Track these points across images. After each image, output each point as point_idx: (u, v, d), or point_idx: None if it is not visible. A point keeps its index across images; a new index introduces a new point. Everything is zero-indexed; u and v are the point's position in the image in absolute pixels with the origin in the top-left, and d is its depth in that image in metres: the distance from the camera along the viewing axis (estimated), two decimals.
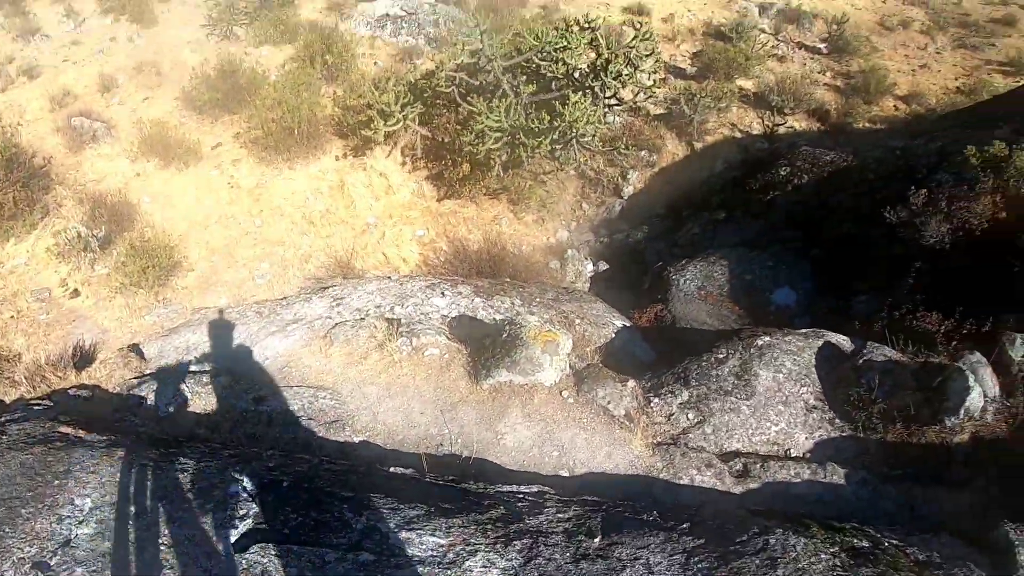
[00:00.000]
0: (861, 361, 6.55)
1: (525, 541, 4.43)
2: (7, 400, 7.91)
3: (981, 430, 5.98)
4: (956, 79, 20.35)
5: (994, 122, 10.89)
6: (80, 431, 5.34)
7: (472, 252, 10.83)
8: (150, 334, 8.94)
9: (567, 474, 6.02)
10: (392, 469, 5.52)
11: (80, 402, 6.81)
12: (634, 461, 6.11)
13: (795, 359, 6.76)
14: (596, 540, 4.48)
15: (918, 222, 8.53)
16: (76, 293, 10.25)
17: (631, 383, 6.83)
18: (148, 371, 7.56)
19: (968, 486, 5.64)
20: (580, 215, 12.72)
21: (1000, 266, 7.66)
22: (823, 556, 4.24)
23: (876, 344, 6.72)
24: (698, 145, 14.03)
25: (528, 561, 4.23)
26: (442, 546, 4.29)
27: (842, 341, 6.98)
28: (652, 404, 6.66)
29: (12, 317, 9.92)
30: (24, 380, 7.84)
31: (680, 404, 6.61)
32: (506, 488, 5.24)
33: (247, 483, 4.73)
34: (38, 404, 6.24)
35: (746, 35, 19.06)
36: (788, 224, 10.76)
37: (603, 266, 11.53)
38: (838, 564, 4.17)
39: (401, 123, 11.46)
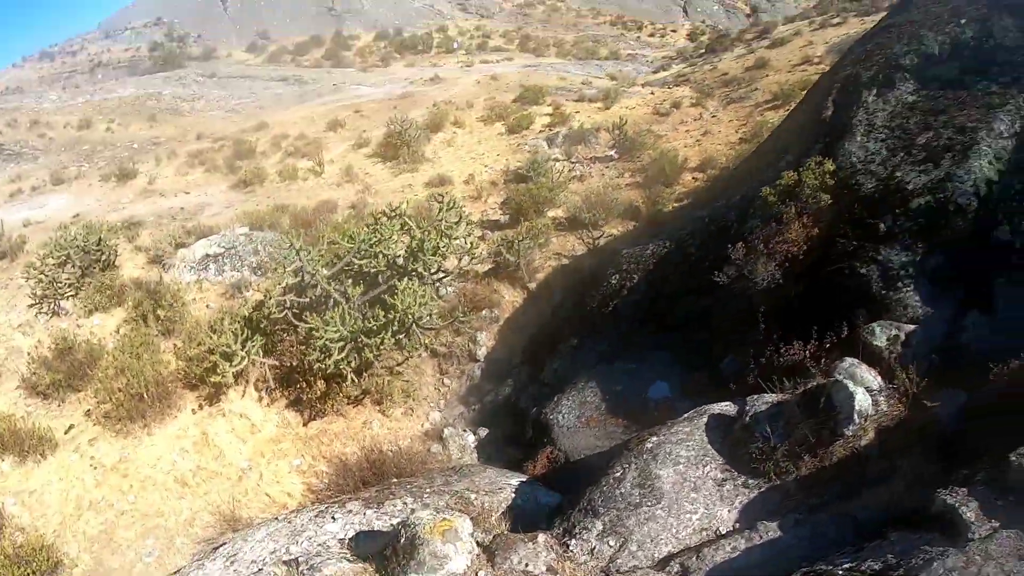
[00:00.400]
0: (748, 418, 6.80)
1: None
2: None
3: (883, 420, 6.24)
4: (736, 132, 22.37)
5: (779, 156, 11.76)
6: None
7: (352, 465, 10.79)
8: None
9: None
10: None
11: None
12: None
13: (687, 445, 6.92)
14: None
15: (747, 272, 9.16)
16: None
17: (541, 537, 6.79)
18: None
19: (894, 475, 5.75)
20: (445, 391, 13.01)
21: (832, 274, 8.29)
22: None
23: (756, 396, 7.02)
24: (532, 286, 14.69)
25: None
26: None
27: (725, 408, 7.26)
28: (570, 547, 6.64)
29: None
30: None
31: (597, 535, 6.60)
32: None
33: None
34: None
35: (543, 170, 20.31)
36: (637, 325, 11.33)
37: (483, 432, 11.77)
38: None
39: (246, 360, 11.62)
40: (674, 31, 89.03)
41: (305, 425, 12.24)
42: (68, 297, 17.11)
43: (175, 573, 8.65)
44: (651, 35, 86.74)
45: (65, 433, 12.62)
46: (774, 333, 8.11)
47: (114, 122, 48.70)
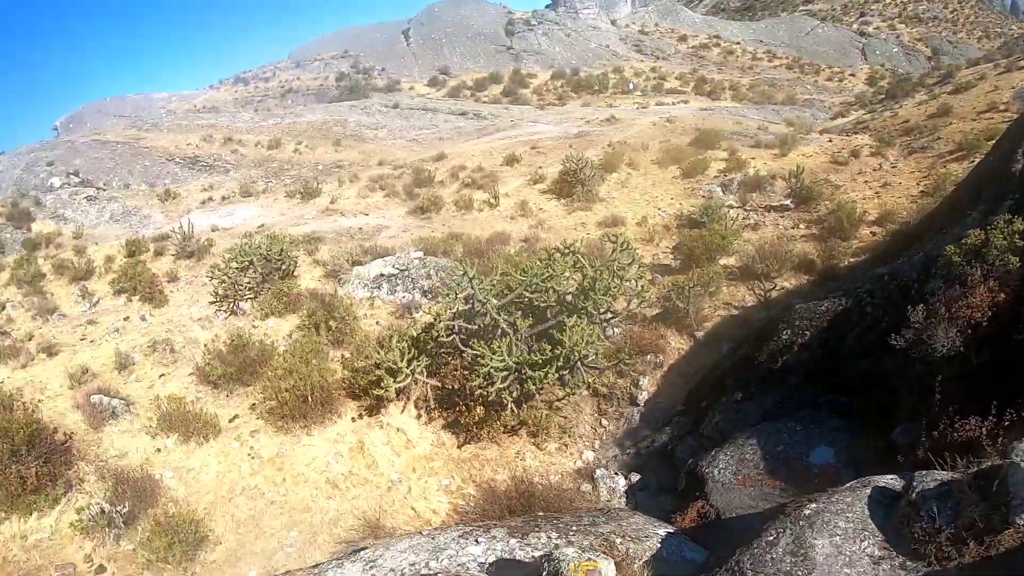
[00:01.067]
0: (914, 495, 6.19)
1: None
2: None
3: None
4: (918, 184, 21.10)
5: (963, 212, 11.06)
6: None
7: (501, 493, 10.70)
8: None
9: None
10: None
11: None
12: None
13: (847, 516, 6.42)
14: None
15: (926, 337, 8.42)
16: (102, 569, 10.21)
17: None
18: None
19: None
20: (602, 432, 12.72)
21: (1018, 345, 7.57)
22: None
23: (924, 472, 6.43)
24: (699, 334, 14.23)
25: None
26: None
27: (890, 481, 6.69)
28: None
29: None
30: None
31: None
32: None
33: None
34: None
35: (716, 215, 19.79)
36: (805, 384, 10.70)
37: (635, 477, 11.41)
38: None
39: (409, 378, 11.79)
40: (852, 75, 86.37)
41: (459, 447, 12.25)
42: (247, 299, 18.10)
43: (314, 567, 8.80)
44: (828, 79, 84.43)
45: (229, 422, 13.24)
46: (950, 405, 7.40)
47: (301, 144, 51.97)
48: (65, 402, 14.50)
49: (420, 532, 9.17)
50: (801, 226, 19.68)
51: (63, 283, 25.69)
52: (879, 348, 9.59)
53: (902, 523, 6.16)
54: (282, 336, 16.23)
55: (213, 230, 28.92)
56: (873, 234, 17.77)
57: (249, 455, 12.29)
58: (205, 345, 15.50)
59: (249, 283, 18.41)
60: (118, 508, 10.74)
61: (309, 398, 12.60)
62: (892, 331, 9.04)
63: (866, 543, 6.15)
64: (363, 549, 8.81)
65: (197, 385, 14.72)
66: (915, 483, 6.36)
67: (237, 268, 18.32)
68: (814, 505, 6.69)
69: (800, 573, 6.13)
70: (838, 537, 6.25)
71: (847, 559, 6.06)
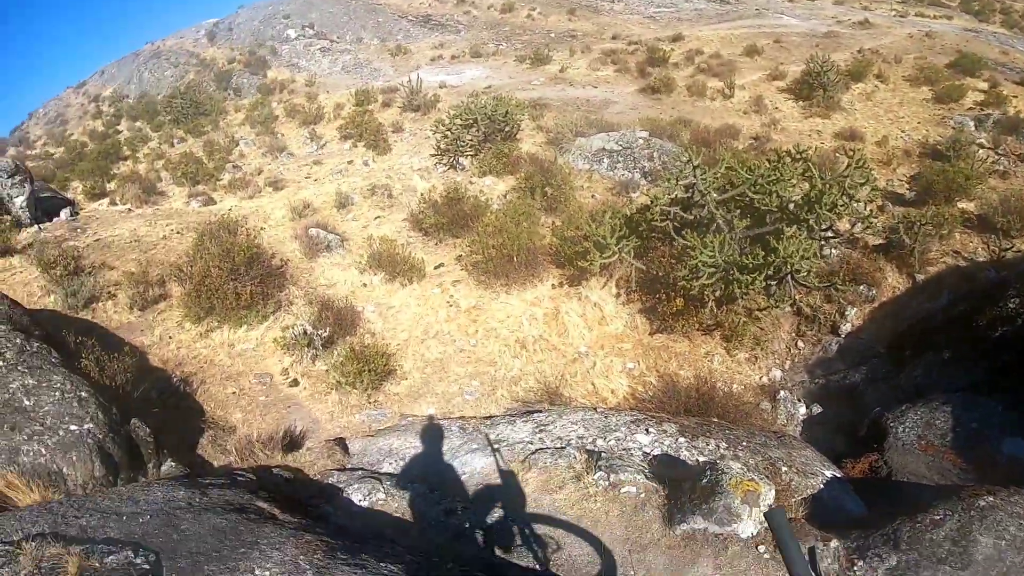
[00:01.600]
0: None
1: None
2: (215, 464, 8.50)
3: None
4: None
5: None
6: (275, 509, 5.50)
7: (681, 389, 10.60)
8: (357, 432, 9.30)
9: None
10: None
11: (281, 481, 7.02)
12: None
13: (1021, 523, 5.94)
14: None
15: None
16: (295, 383, 10.96)
17: (834, 543, 6.29)
18: (349, 465, 7.79)
19: None
20: (795, 354, 12.27)
21: None
22: None
23: None
24: (920, 277, 13.19)
25: None
26: None
27: None
28: (855, 567, 6.05)
29: (234, 393, 10.74)
30: (234, 451, 8.34)
31: (887, 570, 5.93)
32: None
33: None
34: (241, 475, 6.50)
35: (964, 152, 18.18)
36: (1021, 365, 9.78)
37: (817, 409, 10.98)
38: None
39: (616, 255, 11.69)
40: None
41: (651, 334, 12.15)
42: (467, 156, 18.51)
43: (487, 418, 9.05)
44: None
45: (434, 269, 13.72)
46: None
47: (535, 10, 51.52)
48: (285, 232, 15.59)
49: (595, 408, 9.23)
50: None
51: (293, 126, 27.37)
52: None
53: None
54: (497, 195, 16.51)
55: (440, 87, 29.68)
56: None
57: (448, 303, 12.74)
58: (421, 194, 16.07)
59: (471, 140, 18.80)
60: (319, 331, 11.47)
61: (515, 258, 12.80)
62: None
63: None
64: (537, 412, 8.95)
65: (409, 231, 15.36)
66: None
67: (461, 125, 18.72)
68: (991, 499, 6.24)
69: (954, 565, 5.81)
70: (1004, 541, 5.83)
71: (1005, 567, 5.66)
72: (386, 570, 4.80)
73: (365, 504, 6.88)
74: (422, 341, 11.95)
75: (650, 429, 8.36)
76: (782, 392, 11.17)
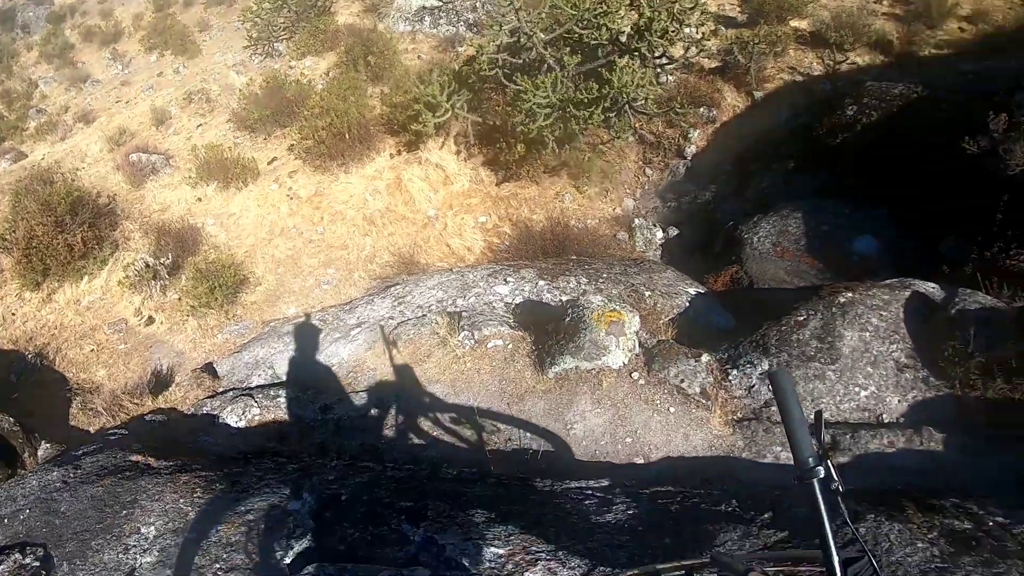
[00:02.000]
0: (954, 311, 5.95)
1: (590, 544, 4.03)
2: (92, 430, 8.05)
3: None
4: None
5: None
6: (150, 458, 5.30)
7: (536, 233, 10.56)
8: (223, 352, 9.01)
9: (642, 461, 5.65)
10: (457, 472, 5.24)
11: (156, 427, 6.76)
12: (713, 442, 5.70)
13: (881, 314, 6.18)
14: (667, 540, 4.05)
15: (1001, 150, 7.89)
16: (151, 321, 10.46)
17: (705, 357, 6.38)
18: (220, 389, 7.58)
19: None
20: (644, 181, 12.27)
21: None
22: (919, 545, 3.69)
23: (968, 291, 6.14)
24: (758, 95, 13.36)
25: (592, 568, 3.83)
26: (500, 556, 3.94)
27: (931, 290, 6.40)
28: (730, 377, 6.23)
29: (92, 351, 10.18)
30: (103, 411, 8.01)
31: (760, 375, 6.15)
32: (574, 484, 4.87)
33: (307, 499, 4.60)
34: (113, 434, 6.16)
35: None
36: (861, 168, 10.17)
37: (673, 231, 11.11)
38: (936, 555, 3.61)
39: (449, 112, 11.29)
40: None
41: (498, 185, 11.93)
42: (282, 40, 17.49)
43: (347, 303, 8.88)
44: None
45: (267, 164, 13.07)
46: (1010, 229, 6.96)
47: None
48: (105, 166, 14.57)
49: (451, 270, 9.12)
50: (885, 2, 17.92)
51: (93, 49, 25.26)
52: (947, 150, 8.96)
53: (934, 337, 5.92)
54: (319, 75, 15.76)
55: None
56: (962, 30, 16.17)
57: (288, 196, 12.18)
58: (240, 90, 15.07)
59: (284, 23, 17.70)
60: (162, 260, 10.91)
61: (346, 135, 12.26)
62: (965, 135, 8.53)
63: (894, 347, 5.97)
64: (395, 285, 8.80)
65: (235, 131, 14.53)
66: (957, 299, 6.10)
67: (270, 8, 17.51)
68: (850, 294, 6.48)
69: (823, 360, 6.00)
70: (868, 333, 6.06)
71: (872, 358, 5.91)
72: (269, 488, 4.74)
73: (242, 424, 6.70)
74: (269, 241, 11.47)
75: (509, 278, 8.26)
76: (637, 220, 11.19)
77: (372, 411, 6.55)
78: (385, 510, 4.44)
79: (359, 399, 6.69)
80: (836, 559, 1.72)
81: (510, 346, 6.86)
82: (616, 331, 6.46)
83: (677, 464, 5.59)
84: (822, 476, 1.77)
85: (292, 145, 13.09)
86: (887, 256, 8.61)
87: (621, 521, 4.30)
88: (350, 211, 11.60)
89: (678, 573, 2.35)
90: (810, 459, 1.79)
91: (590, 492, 4.74)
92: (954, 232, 8.05)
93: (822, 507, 1.77)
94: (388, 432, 6.23)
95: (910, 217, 8.80)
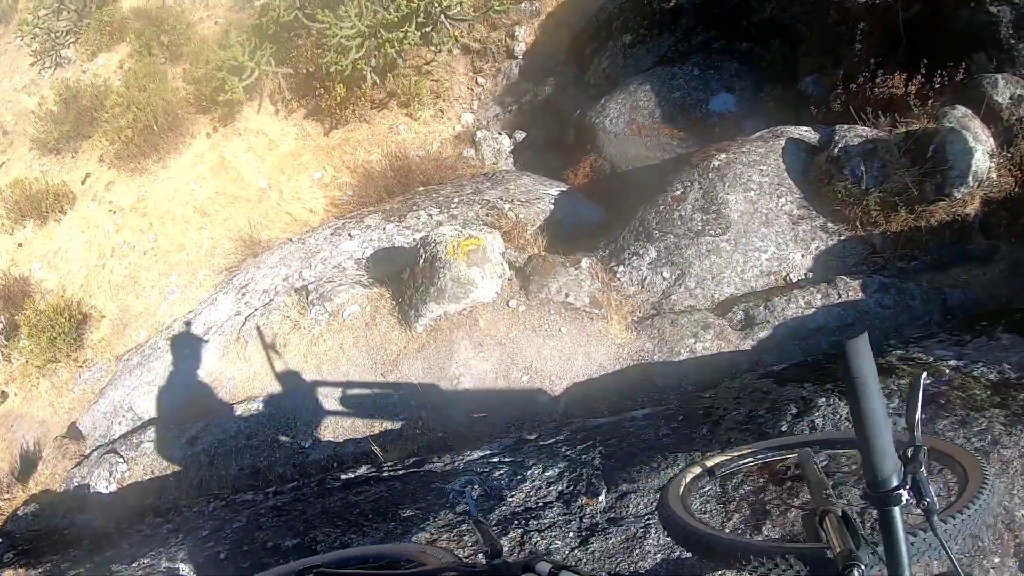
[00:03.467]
0: (836, 150, 5.71)
1: (513, 532, 3.32)
2: None
3: (990, 191, 5.29)
4: None
5: None
6: (21, 568, 4.55)
7: (377, 174, 9.94)
8: (84, 406, 8.23)
9: (546, 399, 5.13)
10: (344, 475, 4.55)
11: (29, 521, 5.99)
12: (618, 352, 5.24)
13: (761, 169, 5.87)
14: (600, 498, 3.34)
15: None
16: (4, 396, 9.65)
17: (586, 262, 5.91)
18: (87, 451, 6.78)
19: (993, 257, 5.03)
20: (479, 92, 11.65)
21: (956, 3, 6.60)
22: None
23: (846, 126, 5.88)
24: None
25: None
26: None
27: (805, 133, 6.17)
28: (618, 276, 5.81)
29: None
30: None
31: (650, 263, 5.75)
32: (477, 454, 4.24)
33: (182, 571, 3.96)
34: None
35: None
36: (702, 25, 9.76)
37: (520, 135, 10.62)
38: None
39: (257, 71, 10.52)
40: None
41: (326, 135, 11.18)
42: (69, 45, 16.03)
43: (190, 311, 8.24)
44: None
45: (82, 183, 12.07)
46: (872, 58, 6.69)
47: None
48: None
49: (291, 240, 8.48)
50: None
51: None
52: None
53: (822, 181, 5.77)
54: (114, 71, 14.54)
55: None
56: None
57: (110, 211, 11.23)
58: (33, 112, 13.74)
59: (66, 26, 16.14)
60: None
61: (154, 126, 11.35)
62: None
63: (783, 200, 5.75)
64: (238, 274, 8.23)
65: (39, 158, 13.29)
66: (836, 138, 5.87)
67: (47, 13, 15.95)
68: (723, 156, 6.14)
69: (713, 232, 5.69)
70: (752, 192, 5.78)
71: (763, 217, 5.66)
72: (143, 571, 4.02)
73: (114, 487, 5.97)
74: (103, 267, 10.60)
75: (353, 232, 7.69)
76: (480, 132, 10.68)
77: (240, 428, 5.91)
78: (270, 557, 3.78)
79: (224, 419, 6.02)
80: None
81: (368, 308, 6.25)
82: (478, 260, 5.84)
83: (586, 390, 5.12)
84: (904, 503, 1.31)
85: (102, 155, 12.06)
86: (747, 109, 8.33)
87: (540, 489, 3.63)
88: (178, 207, 10.76)
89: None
90: (893, 476, 1.31)
91: (496, 459, 4.11)
92: (813, 71, 7.78)
93: (902, 546, 1.31)
94: (263, 448, 5.62)
95: (763, 64, 8.54)
